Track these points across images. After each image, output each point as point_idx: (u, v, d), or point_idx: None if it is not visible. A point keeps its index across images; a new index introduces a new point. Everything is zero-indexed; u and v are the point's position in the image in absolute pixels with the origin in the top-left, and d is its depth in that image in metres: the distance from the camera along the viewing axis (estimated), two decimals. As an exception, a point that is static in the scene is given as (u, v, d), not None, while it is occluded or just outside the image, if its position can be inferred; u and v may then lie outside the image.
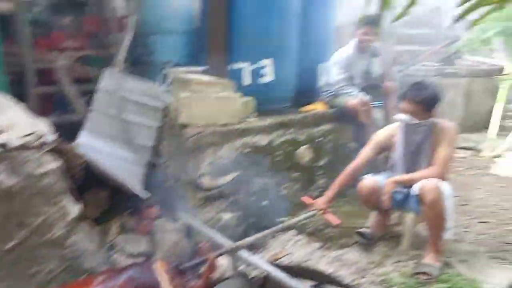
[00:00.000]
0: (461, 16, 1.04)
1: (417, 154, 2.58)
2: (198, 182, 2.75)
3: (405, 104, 2.48)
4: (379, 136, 2.75)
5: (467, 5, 0.98)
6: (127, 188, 2.67)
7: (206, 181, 2.76)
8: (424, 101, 2.41)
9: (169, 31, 3.43)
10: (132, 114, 3.01)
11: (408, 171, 2.62)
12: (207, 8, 3.19)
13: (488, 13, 1.07)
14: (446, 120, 2.60)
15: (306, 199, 3.00)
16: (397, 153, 2.68)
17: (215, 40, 3.12)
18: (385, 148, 2.77)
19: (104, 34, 3.31)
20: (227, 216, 2.88)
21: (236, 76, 3.27)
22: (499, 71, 5.86)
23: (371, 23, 3.53)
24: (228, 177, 2.87)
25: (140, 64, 3.43)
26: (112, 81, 2.93)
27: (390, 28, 6.57)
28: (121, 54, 3.05)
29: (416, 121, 2.47)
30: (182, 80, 2.80)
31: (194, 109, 2.72)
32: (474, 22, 1.10)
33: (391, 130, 2.70)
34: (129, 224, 2.74)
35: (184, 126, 2.77)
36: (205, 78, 2.83)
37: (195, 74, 2.92)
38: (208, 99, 2.72)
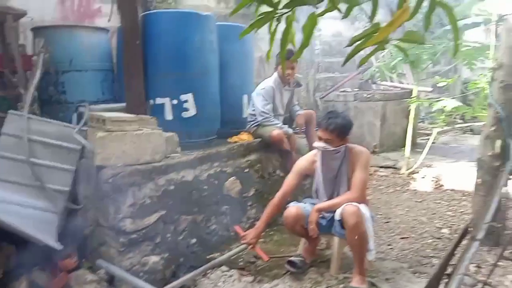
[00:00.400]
0: (349, 57, 1.10)
1: (336, 179, 2.70)
2: (119, 226, 2.58)
3: (320, 133, 2.62)
4: (300, 163, 2.84)
5: (354, 46, 1.04)
6: (37, 240, 2.44)
7: (128, 224, 2.60)
8: (336, 129, 2.54)
9: (84, 68, 3.28)
10: (43, 158, 2.79)
11: (330, 195, 2.75)
12: (122, 44, 3.11)
13: (372, 53, 1.15)
14: (358, 145, 2.77)
15: (238, 228, 2.96)
16: (318, 179, 2.79)
17: (132, 76, 3.03)
18: (307, 175, 2.88)
19: (10, 73, 3.10)
20: (153, 259, 2.74)
21: (158, 112, 3.20)
22: (409, 93, 6.39)
23: (288, 57, 3.66)
24: (152, 218, 2.73)
25: (52, 104, 3.23)
26: (18, 124, 2.72)
27: (311, 57, 6.94)
28: (29, 94, 2.85)
29: (331, 148, 2.58)
30: (98, 119, 2.66)
31: (112, 149, 2.58)
32: (361, 62, 1.17)
33: (311, 157, 2.80)
34: (40, 280, 2.49)
35: (102, 167, 2.61)
36: (123, 115, 2.71)
37: (112, 112, 2.80)
38: (126, 137, 2.60)
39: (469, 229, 1.55)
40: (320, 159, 2.72)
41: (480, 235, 1.35)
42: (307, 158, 2.84)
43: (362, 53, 1.25)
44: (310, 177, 2.95)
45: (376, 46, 1.03)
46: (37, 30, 3.30)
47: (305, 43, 1.17)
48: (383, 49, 1.05)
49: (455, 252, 1.65)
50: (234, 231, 3.08)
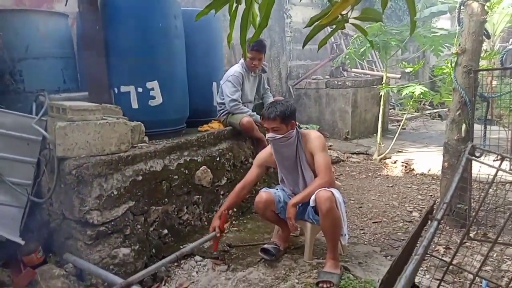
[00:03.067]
0: (308, 38, 1.07)
1: (297, 165, 2.70)
2: (86, 218, 2.49)
3: (265, 123, 2.63)
4: (260, 156, 2.90)
5: (312, 28, 1.01)
6: (-3, 236, 2.33)
7: (95, 217, 2.51)
8: (278, 115, 2.54)
9: (42, 55, 3.12)
10: (2, 151, 2.66)
11: (294, 182, 2.77)
12: (82, 30, 2.97)
13: (331, 33, 1.11)
14: (310, 130, 2.84)
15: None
16: (279, 168, 2.82)
17: (94, 64, 2.90)
18: (269, 165, 2.90)
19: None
20: (123, 251, 2.66)
21: (123, 100, 3.09)
22: (379, 80, 6.47)
23: (256, 48, 3.60)
24: (121, 209, 2.65)
25: (9, 93, 3.07)
26: (-28, 115, 2.57)
27: (282, 44, 6.91)
28: (-18, 83, 2.69)
29: (279, 136, 2.59)
30: (58, 109, 2.54)
31: (74, 139, 2.47)
32: (320, 43, 1.14)
33: (270, 148, 2.81)
34: (3, 277, 2.38)
35: (64, 158, 2.50)
36: (85, 104, 2.60)
37: (73, 101, 2.68)
38: (88, 126, 2.49)
39: (434, 211, 1.57)
40: (273, 149, 2.73)
41: (439, 215, 1.36)
42: (267, 149, 2.87)
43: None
44: (273, 168, 2.96)
45: (335, 26, 1.00)
46: (-12, 15, 3.11)
47: (263, 24, 1.12)
48: (343, 28, 1.02)
49: (422, 234, 1.67)
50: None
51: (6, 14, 3.14)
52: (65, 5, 3.09)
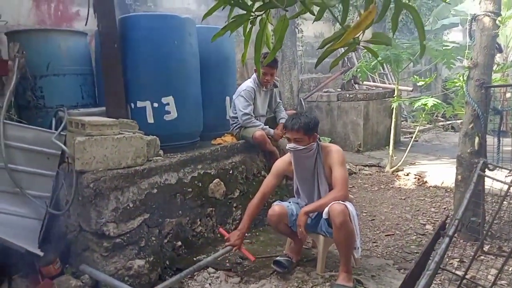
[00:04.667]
0: (320, 59, 1.11)
1: (315, 178, 2.73)
2: (102, 231, 2.55)
3: (288, 134, 2.66)
4: (278, 165, 2.89)
5: (326, 48, 1.06)
6: (18, 248, 2.39)
7: (111, 229, 2.57)
8: (302, 127, 2.58)
9: (62, 72, 3.23)
10: (22, 164, 2.75)
11: (310, 194, 2.78)
12: (100, 48, 3.07)
13: (343, 55, 1.16)
14: (330, 144, 2.84)
15: (222, 231, 2.96)
16: (296, 179, 2.83)
17: (111, 80, 3.00)
18: (286, 175, 2.91)
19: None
20: (138, 263, 2.70)
21: (139, 115, 3.17)
22: (391, 93, 6.48)
23: (269, 64, 3.65)
24: (136, 222, 2.71)
25: (30, 109, 3.18)
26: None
27: (294, 58, 6.98)
28: (5, 99, 2.79)
29: (301, 147, 2.61)
30: (77, 124, 2.62)
31: (92, 153, 2.54)
32: (332, 63, 1.19)
33: (288, 157, 2.83)
34: (22, 287, 2.44)
35: (82, 172, 2.58)
36: (102, 119, 2.68)
37: (91, 117, 2.77)
38: (106, 141, 2.57)
39: (446, 226, 1.58)
40: (293, 160, 2.76)
41: (451, 231, 1.37)
42: (285, 159, 2.88)
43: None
44: (290, 178, 2.97)
45: (347, 48, 1.04)
46: (12, 34, 3.25)
47: (278, 46, 1.17)
48: (355, 50, 1.07)
49: (435, 248, 1.68)
50: (219, 233, 3.09)
51: (29, 34, 3.29)
52: (85, 24, 3.21)
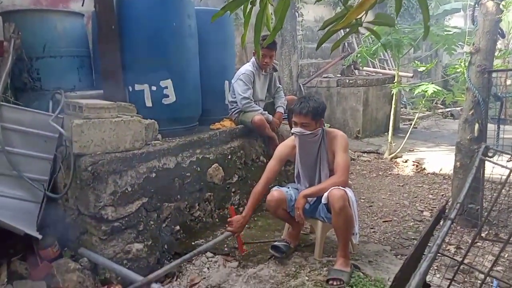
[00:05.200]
0: (322, 41, 1.09)
1: (317, 163, 2.71)
2: (101, 214, 2.55)
3: (295, 118, 2.64)
4: (280, 149, 2.86)
5: (326, 32, 1.03)
6: (17, 230, 2.39)
7: (109, 212, 2.57)
8: (310, 111, 2.56)
9: (58, 54, 3.18)
10: (19, 147, 2.73)
11: (311, 179, 2.77)
12: (97, 29, 3.02)
13: (344, 37, 1.13)
14: (335, 129, 2.81)
15: (232, 210, 2.94)
16: (298, 164, 2.81)
17: (109, 63, 2.95)
18: (288, 160, 2.90)
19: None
20: (137, 246, 2.71)
21: (137, 98, 3.14)
22: (391, 79, 6.44)
23: (268, 45, 3.59)
24: (134, 206, 2.70)
25: (26, 91, 3.14)
26: (-10, 112, 2.63)
27: (294, 43, 6.90)
28: (1, 81, 2.75)
29: (308, 132, 2.60)
30: (74, 106, 2.60)
31: (89, 136, 2.52)
32: (333, 46, 1.16)
33: (291, 142, 2.81)
34: (21, 270, 2.45)
35: (80, 155, 2.56)
36: (100, 102, 2.65)
37: (89, 99, 2.73)
38: (104, 124, 2.55)
39: (446, 210, 1.58)
40: (298, 144, 2.74)
41: (452, 214, 1.37)
42: (287, 143, 2.85)
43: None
44: (292, 163, 2.96)
45: (348, 29, 1.02)
46: (7, 15, 3.17)
47: (278, 26, 1.14)
48: (357, 32, 1.04)
49: (434, 233, 1.68)
50: (228, 211, 3.07)
51: (25, 14, 3.22)
52: (82, 5, 3.15)
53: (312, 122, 2.58)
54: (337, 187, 2.46)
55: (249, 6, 1.26)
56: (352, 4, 1.02)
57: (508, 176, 1.73)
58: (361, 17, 0.98)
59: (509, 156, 1.96)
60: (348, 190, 2.50)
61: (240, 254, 2.85)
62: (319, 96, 6.65)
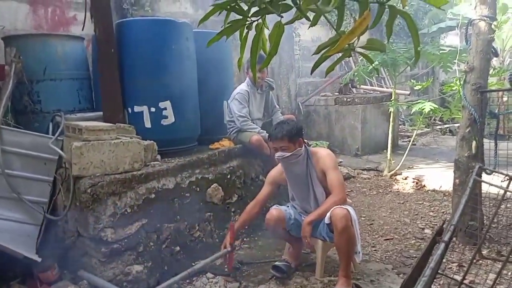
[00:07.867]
0: (316, 65, 1.12)
1: (307, 182, 2.73)
2: (100, 236, 2.54)
3: (273, 144, 2.71)
4: (271, 174, 2.95)
5: (319, 56, 1.06)
6: (16, 254, 2.38)
7: (109, 234, 2.56)
8: (285, 135, 2.62)
9: (58, 77, 3.22)
10: (19, 169, 2.74)
11: (305, 199, 2.79)
12: (97, 52, 3.07)
13: (338, 61, 1.17)
14: (320, 148, 2.91)
15: (232, 226, 2.95)
16: (289, 187, 2.86)
17: (108, 85, 2.99)
18: (280, 183, 2.94)
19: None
20: (136, 268, 2.69)
21: (136, 120, 3.17)
22: (388, 97, 6.48)
23: (259, 63, 3.64)
24: (134, 227, 2.70)
25: (26, 114, 3.17)
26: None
27: (291, 62, 6.99)
28: (2, 104, 2.79)
29: (288, 154, 2.64)
30: (74, 128, 2.62)
31: (89, 158, 2.54)
32: (327, 69, 1.19)
33: (281, 166, 2.84)
34: (19, 294, 2.43)
35: (80, 177, 2.57)
36: (99, 124, 2.67)
37: (88, 121, 2.76)
38: (103, 146, 2.56)
39: (444, 229, 1.58)
40: (284, 168, 2.78)
41: (446, 237, 1.37)
42: (278, 168, 2.91)
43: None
44: (284, 186, 3.00)
45: (342, 54, 1.05)
46: (9, 39, 3.23)
47: (273, 52, 1.17)
48: (350, 56, 1.07)
49: (433, 252, 1.68)
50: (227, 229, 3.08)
51: (26, 39, 3.27)
52: (82, 29, 3.21)
53: (290, 144, 2.62)
54: (339, 206, 2.47)
55: (245, 30, 1.30)
56: (345, 30, 1.05)
57: (504, 195, 1.73)
58: (353, 42, 1.01)
59: (503, 176, 1.97)
60: (350, 208, 2.51)
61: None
62: (318, 115, 6.72)
